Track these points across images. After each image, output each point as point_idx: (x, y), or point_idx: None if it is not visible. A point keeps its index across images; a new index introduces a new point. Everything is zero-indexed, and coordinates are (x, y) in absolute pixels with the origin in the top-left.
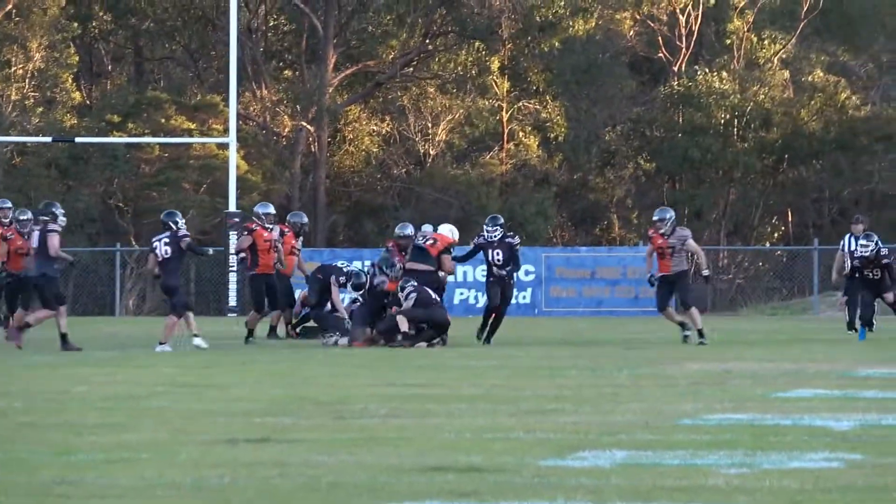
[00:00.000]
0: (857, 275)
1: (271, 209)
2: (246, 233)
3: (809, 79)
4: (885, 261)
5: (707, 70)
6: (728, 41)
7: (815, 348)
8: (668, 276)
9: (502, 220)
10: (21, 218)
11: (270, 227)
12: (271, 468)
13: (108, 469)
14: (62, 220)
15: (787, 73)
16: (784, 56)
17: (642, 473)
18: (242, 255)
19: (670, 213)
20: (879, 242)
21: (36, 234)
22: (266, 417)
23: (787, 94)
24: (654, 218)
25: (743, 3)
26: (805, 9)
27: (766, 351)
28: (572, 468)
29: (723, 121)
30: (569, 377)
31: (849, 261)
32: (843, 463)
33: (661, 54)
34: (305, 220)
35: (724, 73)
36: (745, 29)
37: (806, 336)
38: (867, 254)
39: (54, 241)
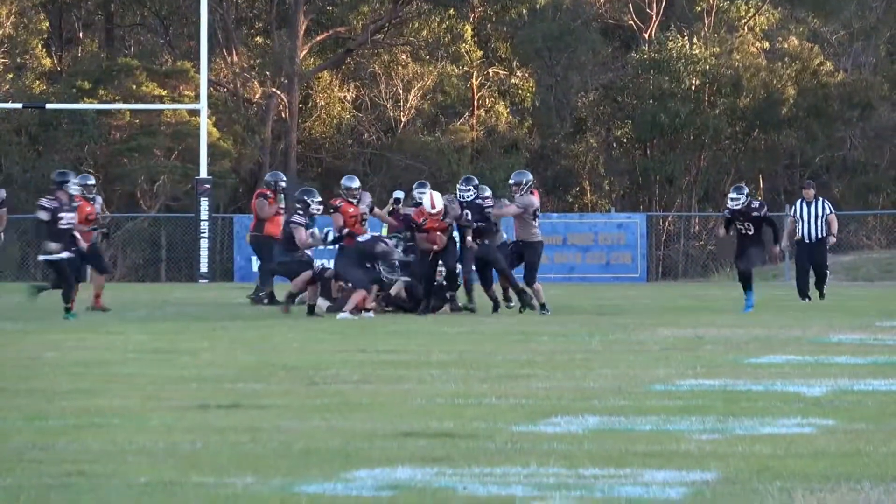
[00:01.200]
0: (731, 230)
1: (356, 183)
2: (333, 210)
3: (785, 46)
4: (755, 213)
5: (679, 35)
6: (698, 8)
7: (787, 314)
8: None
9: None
10: (88, 183)
11: (356, 200)
12: (243, 433)
13: (79, 434)
14: (315, 207)
15: (766, 44)
16: (757, 23)
17: (614, 439)
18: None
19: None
20: (751, 196)
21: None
22: (237, 383)
23: (760, 60)
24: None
25: None
26: None
27: (737, 317)
28: (545, 433)
29: (693, 86)
30: (541, 343)
31: (799, 226)
32: (815, 428)
33: (630, 21)
34: (283, 178)
35: (696, 39)
36: None
37: (777, 302)
38: (738, 206)
39: (300, 234)
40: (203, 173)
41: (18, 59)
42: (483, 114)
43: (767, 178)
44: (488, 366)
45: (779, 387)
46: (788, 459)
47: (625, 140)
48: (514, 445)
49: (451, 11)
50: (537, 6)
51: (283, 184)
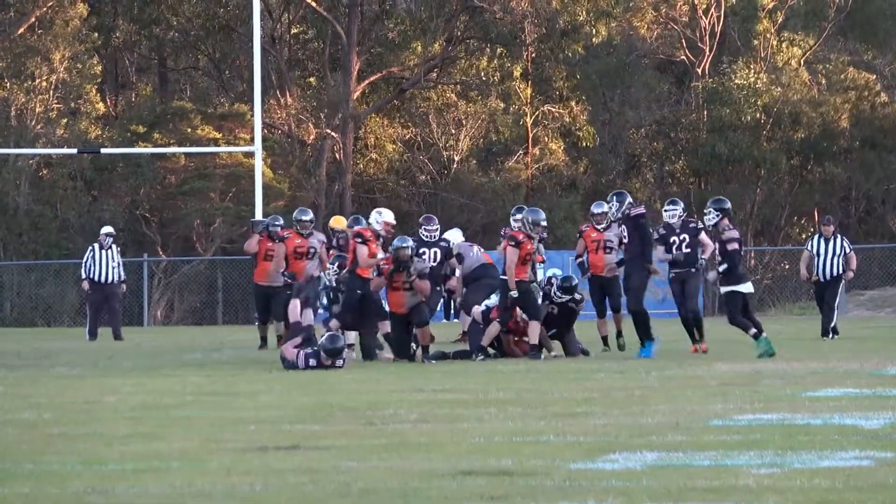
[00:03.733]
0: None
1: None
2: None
3: (841, 77)
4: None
5: (746, 66)
6: (756, 41)
7: (844, 347)
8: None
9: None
10: (303, 219)
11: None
12: (302, 475)
13: (138, 478)
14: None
15: (806, 74)
16: (809, 56)
17: (673, 475)
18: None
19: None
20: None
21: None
22: (295, 424)
23: (813, 93)
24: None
25: (772, 4)
26: (834, 9)
27: (794, 351)
28: (603, 470)
29: (754, 119)
30: (597, 380)
31: (815, 262)
32: (874, 461)
33: (683, 56)
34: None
35: (759, 74)
36: (773, 29)
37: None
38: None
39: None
40: (258, 215)
41: (73, 104)
42: (538, 152)
43: (822, 211)
44: (546, 403)
45: (837, 420)
46: (847, 493)
47: (679, 175)
48: (572, 482)
49: (500, 50)
50: (591, 44)
51: (278, 227)
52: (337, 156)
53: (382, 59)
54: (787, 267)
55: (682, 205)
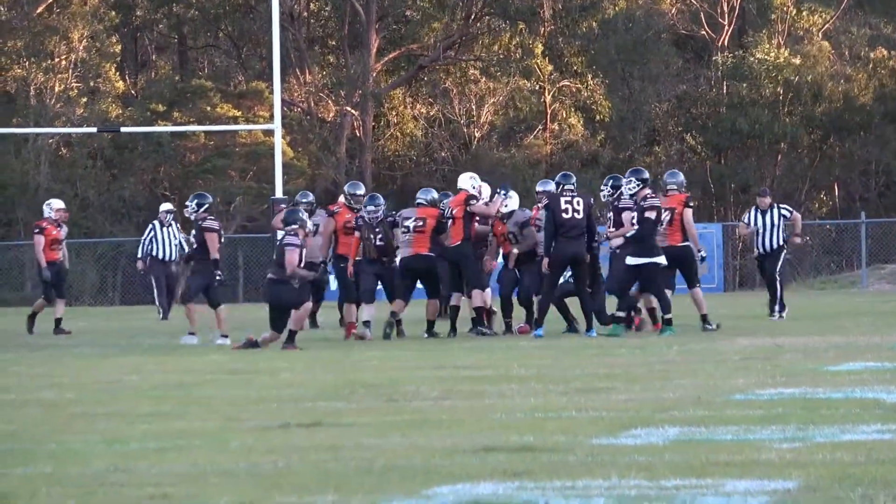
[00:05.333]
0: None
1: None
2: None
3: (862, 52)
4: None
5: (768, 42)
6: (773, 16)
7: (865, 321)
8: None
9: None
10: (356, 192)
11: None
12: (324, 452)
13: (161, 457)
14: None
15: (828, 45)
16: (829, 28)
17: (695, 449)
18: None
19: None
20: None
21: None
22: (318, 402)
23: (836, 67)
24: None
25: None
26: None
27: (815, 325)
28: (625, 446)
29: (773, 94)
30: (618, 355)
31: (756, 238)
32: None
33: (703, 31)
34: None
35: (780, 49)
36: (790, 2)
37: (855, 309)
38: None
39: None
40: (279, 193)
41: (92, 83)
42: (556, 127)
43: (843, 185)
44: (567, 379)
45: (858, 394)
46: (870, 466)
47: (698, 149)
48: (594, 458)
49: (521, 26)
50: (608, 16)
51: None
52: (357, 133)
53: (402, 35)
54: (808, 241)
55: (609, 184)
